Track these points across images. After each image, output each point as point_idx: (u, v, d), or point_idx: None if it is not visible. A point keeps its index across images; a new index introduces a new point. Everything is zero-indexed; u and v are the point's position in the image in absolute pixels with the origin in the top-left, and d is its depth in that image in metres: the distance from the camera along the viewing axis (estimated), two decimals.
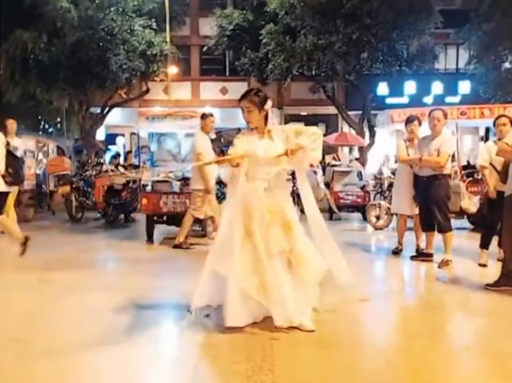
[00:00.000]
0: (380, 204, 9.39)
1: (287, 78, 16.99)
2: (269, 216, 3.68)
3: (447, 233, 5.95)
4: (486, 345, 3.56)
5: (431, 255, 6.26)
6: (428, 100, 19.58)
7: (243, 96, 3.88)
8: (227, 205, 3.89)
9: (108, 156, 18.14)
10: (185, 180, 8.21)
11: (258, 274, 3.60)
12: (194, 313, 3.72)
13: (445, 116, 6.11)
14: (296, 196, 10.13)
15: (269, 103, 3.84)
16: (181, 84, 21.89)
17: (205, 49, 19.11)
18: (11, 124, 8.22)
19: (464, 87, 19.69)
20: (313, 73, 17.73)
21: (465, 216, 8.84)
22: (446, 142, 5.94)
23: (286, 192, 3.98)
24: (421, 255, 6.39)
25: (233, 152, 3.80)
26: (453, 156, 10.88)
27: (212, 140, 9.39)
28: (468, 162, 12.91)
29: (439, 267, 5.85)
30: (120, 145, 22.87)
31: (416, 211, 6.51)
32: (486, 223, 6.08)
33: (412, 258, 6.45)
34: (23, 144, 8.76)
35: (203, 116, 7.26)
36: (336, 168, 11.86)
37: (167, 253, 7.11)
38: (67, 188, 10.64)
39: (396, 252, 6.78)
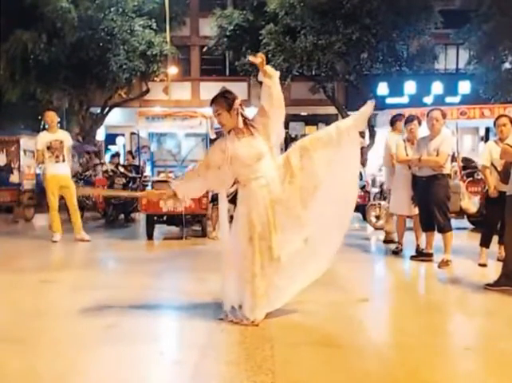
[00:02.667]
0: (380, 204, 9.39)
1: (287, 78, 16.94)
2: (274, 214, 3.72)
3: (447, 233, 5.94)
4: (486, 345, 3.56)
5: (431, 255, 6.26)
6: (428, 100, 19.57)
7: (211, 101, 3.86)
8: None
9: (107, 156, 18.17)
10: None
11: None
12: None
13: (444, 116, 6.12)
14: None
15: (237, 101, 3.80)
16: (181, 84, 21.89)
17: (205, 49, 19.11)
18: (51, 116, 7.94)
19: (464, 87, 19.67)
20: (313, 73, 17.72)
21: (465, 216, 8.83)
22: (445, 142, 5.93)
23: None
24: (421, 255, 6.39)
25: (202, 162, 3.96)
26: (453, 156, 10.93)
27: (211, 140, 9.41)
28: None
29: (439, 267, 5.85)
30: (120, 145, 22.88)
31: (415, 211, 6.51)
32: (486, 222, 6.09)
33: (412, 258, 6.46)
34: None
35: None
36: None
37: (167, 253, 7.11)
38: None
39: (396, 252, 6.78)
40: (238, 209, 3.86)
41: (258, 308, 3.74)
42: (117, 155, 12.78)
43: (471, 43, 17.41)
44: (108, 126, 21.14)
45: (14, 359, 3.20)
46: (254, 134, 3.79)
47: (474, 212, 8.04)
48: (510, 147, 4.84)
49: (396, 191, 6.80)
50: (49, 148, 7.75)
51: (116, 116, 19.67)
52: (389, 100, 18.86)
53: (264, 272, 3.74)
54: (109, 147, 22.66)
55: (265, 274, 3.74)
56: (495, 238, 5.91)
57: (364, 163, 15.90)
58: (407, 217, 6.87)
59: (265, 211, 3.71)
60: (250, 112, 3.96)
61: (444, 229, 5.95)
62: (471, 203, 8.08)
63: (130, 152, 12.98)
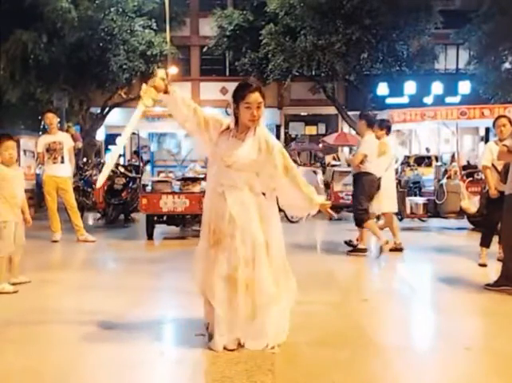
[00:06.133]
0: None
1: (287, 78, 17.00)
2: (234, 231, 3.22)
3: (359, 227, 6.56)
4: (486, 345, 3.56)
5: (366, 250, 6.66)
6: (428, 100, 19.59)
7: (254, 90, 3.21)
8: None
9: (108, 156, 18.15)
10: (185, 180, 8.21)
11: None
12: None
13: (368, 120, 6.63)
14: None
15: None
16: (181, 84, 21.89)
17: (205, 49, 19.12)
18: (50, 118, 7.87)
19: (464, 87, 19.69)
20: (313, 73, 17.75)
21: (465, 216, 8.83)
22: (362, 144, 6.54)
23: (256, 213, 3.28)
24: (395, 250, 6.70)
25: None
26: (453, 156, 10.94)
27: None
28: (468, 162, 12.91)
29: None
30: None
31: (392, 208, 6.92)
32: (486, 221, 6.09)
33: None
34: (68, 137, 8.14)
35: None
36: (336, 168, 11.84)
37: (167, 253, 7.11)
38: None
39: (398, 249, 6.80)
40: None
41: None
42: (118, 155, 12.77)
43: (471, 43, 17.43)
44: (108, 126, 21.14)
45: (14, 359, 3.20)
46: (245, 140, 3.27)
47: (474, 212, 8.05)
48: (506, 148, 4.84)
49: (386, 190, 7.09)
50: (48, 149, 7.78)
51: (116, 116, 19.67)
52: (389, 100, 18.89)
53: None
54: (109, 147, 22.68)
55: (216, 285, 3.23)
56: (495, 239, 5.91)
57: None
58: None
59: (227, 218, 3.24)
60: None
61: (356, 223, 6.61)
62: (471, 203, 8.08)
63: (136, 153, 12.97)
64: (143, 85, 3.37)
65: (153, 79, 3.36)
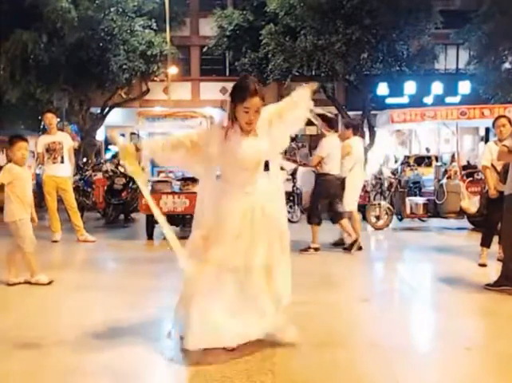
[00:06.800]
0: (379, 204, 9.38)
1: (287, 78, 16.97)
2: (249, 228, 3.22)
3: (311, 225, 6.65)
4: (486, 345, 3.57)
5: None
6: (428, 100, 19.59)
7: (254, 93, 3.07)
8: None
9: (108, 156, 18.15)
10: (185, 180, 8.20)
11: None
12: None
13: (327, 122, 6.70)
14: (296, 196, 10.17)
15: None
16: (181, 84, 21.90)
17: (205, 49, 19.12)
18: (49, 118, 7.90)
19: (464, 87, 19.71)
20: (313, 73, 17.72)
21: (465, 216, 8.83)
22: (319, 145, 6.70)
23: (279, 201, 3.40)
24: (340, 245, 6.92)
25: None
26: (453, 156, 10.95)
27: None
28: (468, 162, 12.92)
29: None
30: None
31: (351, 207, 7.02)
32: (487, 222, 6.09)
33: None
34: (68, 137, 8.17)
35: None
36: None
37: (167, 253, 7.08)
38: None
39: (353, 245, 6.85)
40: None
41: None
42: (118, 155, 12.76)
43: (471, 43, 17.43)
44: (108, 126, 21.13)
45: (13, 362, 3.20)
46: (258, 135, 3.22)
47: (474, 212, 8.05)
48: (506, 148, 4.83)
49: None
50: (47, 149, 7.79)
51: (116, 116, 19.67)
52: (389, 100, 18.90)
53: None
54: (109, 147, 22.68)
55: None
56: (495, 239, 5.90)
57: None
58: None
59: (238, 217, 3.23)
60: None
61: (308, 221, 6.76)
62: (471, 203, 8.09)
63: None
64: (123, 162, 3.48)
65: (122, 153, 3.33)
